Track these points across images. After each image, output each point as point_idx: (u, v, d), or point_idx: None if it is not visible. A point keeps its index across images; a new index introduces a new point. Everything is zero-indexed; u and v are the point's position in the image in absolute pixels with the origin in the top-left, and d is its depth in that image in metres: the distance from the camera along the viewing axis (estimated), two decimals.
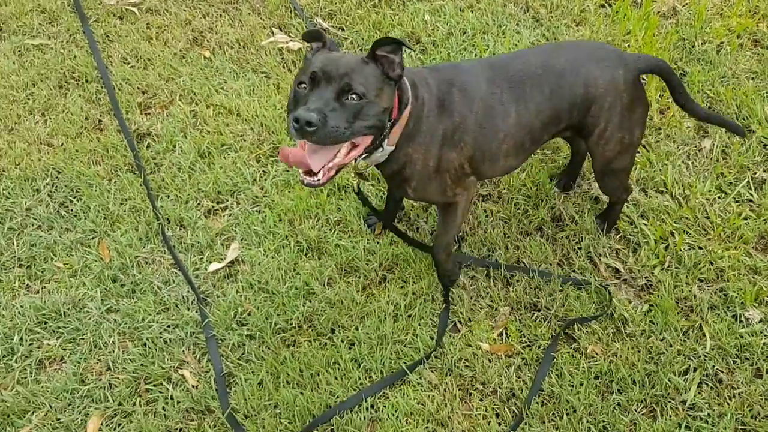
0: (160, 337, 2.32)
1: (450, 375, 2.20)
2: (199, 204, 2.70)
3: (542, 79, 2.03)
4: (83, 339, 2.34)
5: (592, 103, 2.05)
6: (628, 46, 3.18)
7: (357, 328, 2.31)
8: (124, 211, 2.67)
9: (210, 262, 2.53)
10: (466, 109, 2.00)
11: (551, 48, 2.25)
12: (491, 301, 2.37)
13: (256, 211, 2.67)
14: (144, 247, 2.57)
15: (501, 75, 2.02)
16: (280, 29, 3.39)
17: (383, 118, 1.81)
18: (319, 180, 1.75)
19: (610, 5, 3.41)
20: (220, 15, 3.45)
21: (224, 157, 2.83)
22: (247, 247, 2.56)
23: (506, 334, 2.29)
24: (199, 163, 2.81)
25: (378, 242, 2.55)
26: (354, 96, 1.72)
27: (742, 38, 3.21)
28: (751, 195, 2.56)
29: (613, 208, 2.45)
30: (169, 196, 2.71)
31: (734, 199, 2.56)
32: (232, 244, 2.58)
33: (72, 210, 2.70)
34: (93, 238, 2.61)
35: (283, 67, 3.19)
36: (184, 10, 3.47)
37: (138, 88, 3.11)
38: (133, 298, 2.43)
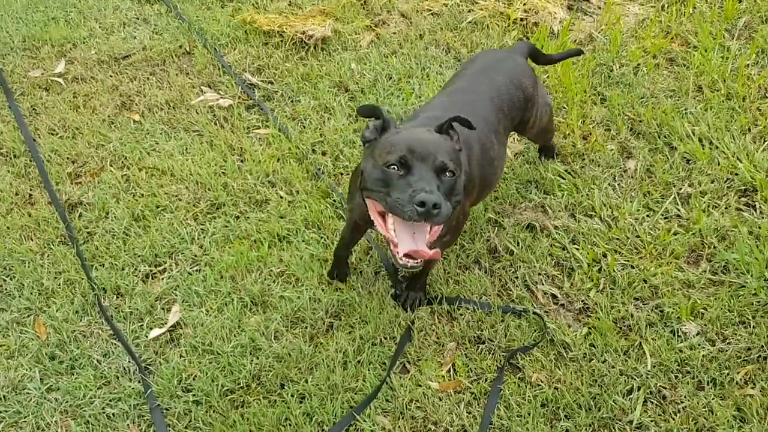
0: (103, 413, 2.25)
1: (402, 418, 2.18)
2: (136, 269, 2.65)
3: (500, 103, 2.30)
4: (25, 421, 2.25)
5: (529, 101, 2.42)
6: (548, 76, 3.30)
7: (307, 381, 2.28)
8: (59, 284, 2.61)
9: (151, 329, 2.48)
10: (473, 156, 2.13)
11: (479, 72, 2.41)
12: (437, 338, 2.38)
13: (196, 270, 2.64)
14: (81, 321, 2.51)
15: (473, 114, 2.09)
16: (210, 87, 3.41)
17: (462, 191, 1.88)
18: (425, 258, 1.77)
19: (528, 38, 3.54)
20: (148, 78, 3.46)
21: (160, 219, 2.80)
22: (189, 308, 2.52)
23: (454, 369, 2.29)
24: (133, 227, 2.77)
25: (323, 290, 2.54)
26: (449, 173, 1.77)
27: (658, 58, 3.36)
28: (679, 210, 2.65)
29: (550, 147, 2.88)
30: (104, 265, 2.66)
31: (662, 216, 2.64)
32: (172, 308, 2.53)
33: (5, 289, 2.63)
34: (28, 316, 2.53)
35: (215, 124, 3.20)
36: (111, 76, 3.47)
37: (67, 158, 3.07)
38: (72, 375, 2.35)
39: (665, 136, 2.96)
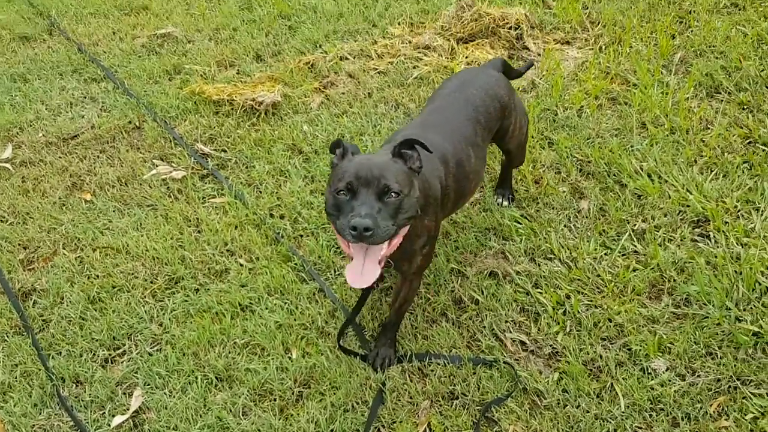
0: None
1: None
2: (94, 355, 2.56)
3: (476, 115, 2.43)
4: None
5: (506, 108, 2.55)
6: None
7: None
8: (15, 377, 2.50)
9: (113, 416, 2.38)
10: (449, 172, 2.27)
11: (455, 89, 2.55)
12: (410, 398, 2.33)
13: (157, 350, 2.56)
14: (40, 414, 2.39)
15: (450, 131, 2.31)
16: (162, 160, 3.38)
17: (417, 206, 2.00)
18: (375, 276, 1.91)
19: None
20: (98, 156, 3.42)
21: (116, 300, 2.72)
22: (151, 391, 2.43)
23: (430, 429, 2.24)
24: (89, 310, 2.69)
25: (290, 357, 2.48)
26: (393, 194, 1.90)
27: (600, 99, 3.47)
28: (635, 246, 2.69)
29: (508, 176, 2.91)
30: (61, 353, 2.56)
31: (620, 253, 2.68)
32: (134, 392, 2.44)
33: None
34: None
35: (169, 197, 3.16)
36: (60, 158, 3.42)
37: (18, 244, 2.99)
38: None
39: (614, 175, 3.02)
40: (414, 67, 3.86)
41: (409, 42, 4.02)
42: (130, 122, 3.62)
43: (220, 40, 4.31)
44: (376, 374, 2.41)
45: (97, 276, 2.82)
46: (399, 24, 4.23)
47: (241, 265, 2.80)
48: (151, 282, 2.79)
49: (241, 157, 3.37)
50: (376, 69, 3.91)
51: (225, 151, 3.43)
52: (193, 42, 4.32)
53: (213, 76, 3.95)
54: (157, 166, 3.33)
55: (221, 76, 3.94)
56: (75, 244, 2.99)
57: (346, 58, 4.01)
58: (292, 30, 4.35)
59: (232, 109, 3.63)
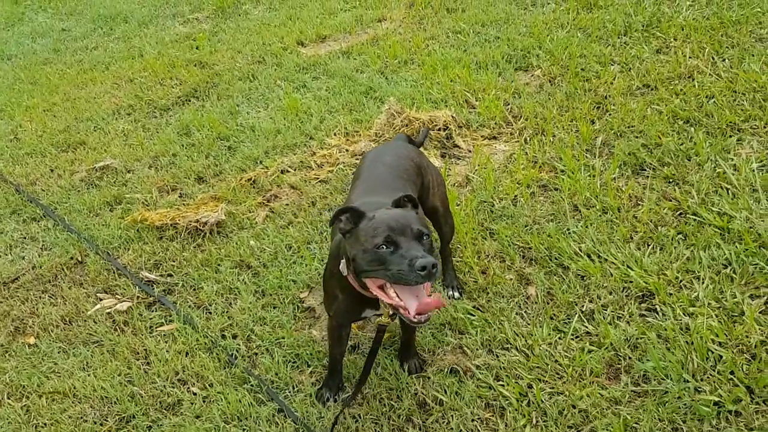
0: None
1: None
2: None
3: (399, 173, 2.71)
4: None
5: (420, 167, 2.83)
6: None
7: None
8: None
9: None
10: None
11: (374, 160, 2.84)
12: None
13: None
14: None
15: (384, 190, 2.54)
16: (106, 293, 3.31)
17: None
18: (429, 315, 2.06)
19: None
20: (40, 296, 3.33)
21: None
22: None
23: None
24: None
25: None
26: (425, 236, 2.08)
27: (531, 188, 3.61)
28: (587, 327, 2.73)
29: (448, 261, 3.02)
30: None
31: (573, 336, 2.71)
32: None
33: None
34: None
35: (115, 331, 3.07)
36: (0, 303, 3.31)
37: None
38: None
39: (556, 258, 3.11)
40: (352, 174, 3.96)
41: (347, 150, 4.15)
42: (71, 258, 3.56)
43: (160, 166, 4.35)
44: (414, 375, 2.68)
45: (45, 425, 2.67)
46: (335, 134, 4.37)
47: (194, 394, 2.71)
48: (101, 424, 2.66)
49: (188, 279, 3.33)
50: (317, 178, 4.00)
51: (171, 275, 3.39)
52: (132, 171, 4.35)
53: (155, 202, 3.96)
54: (101, 300, 3.25)
55: (163, 201, 3.95)
56: (20, 392, 2.84)
57: (287, 171, 4.10)
58: (231, 150, 4.44)
59: (176, 232, 3.62)
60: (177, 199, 3.97)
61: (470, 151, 4.05)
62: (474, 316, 2.88)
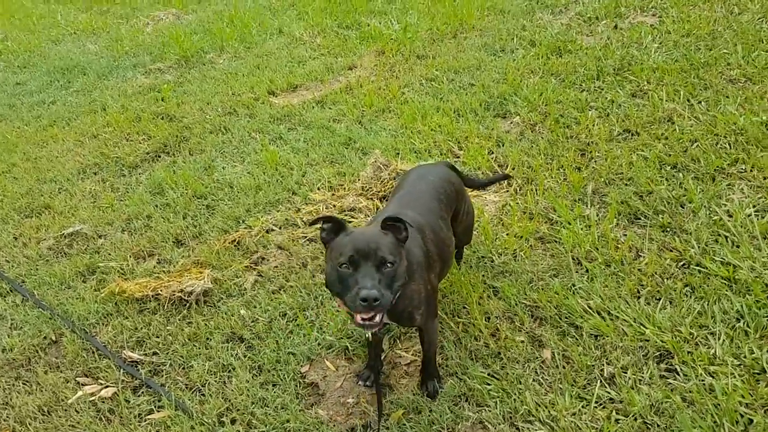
0: None
1: None
2: None
3: (439, 195, 2.86)
4: None
5: (459, 192, 3.03)
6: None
7: None
8: None
9: None
10: (428, 239, 2.63)
11: (418, 178, 2.98)
12: None
13: None
14: None
15: (420, 207, 2.76)
16: (87, 376, 3.05)
17: (405, 274, 2.29)
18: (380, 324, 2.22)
19: None
20: (13, 384, 3.03)
21: None
22: None
23: None
24: None
25: None
26: (389, 265, 2.18)
27: (529, 241, 3.53)
28: (609, 394, 2.62)
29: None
30: None
31: (596, 403, 2.60)
32: None
33: None
34: None
35: (101, 420, 2.81)
36: None
37: None
38: None
39: (566, 317, 3.01)
40: None
41: (334, 206, 4.00)
42: (45, 338, 3.27)
43: (134, 230, 4.11)
44: (433, 400, 2.73)
45: None
46: (319, 189, 4.22)
47: None
48: None
49: (176, 357, 3.10)
50: (305, 236, 3.83)
51: (157, 353, 3.14)
52: (104, 237, 4.09)
53: (131, 270, 3.71)
54: (82, 386, 2.98)
55: (141, 268, 3.70)
56: None
57: (272, 230, 3.92)
58: (210, 209, 4.23)
59: (159, 304, 3.39)
60: (156, 266, 3.73)
61: None
62: (490, 385, 2.74)
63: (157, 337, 3.22)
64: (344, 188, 4.20)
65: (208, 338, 3.18)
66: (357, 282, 2.12)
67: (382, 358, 2.97)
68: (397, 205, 2.76)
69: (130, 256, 3.83)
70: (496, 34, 6.33)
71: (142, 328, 3.28)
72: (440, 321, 3.09)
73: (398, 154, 4.46)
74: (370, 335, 2.57)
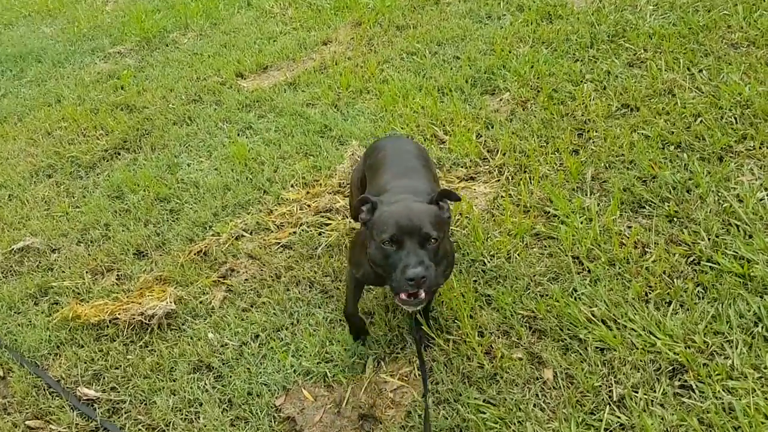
0: None
1: None
2: None
3: (426, 164, 2.88)
4: None
5: (428, 159, 3.03)
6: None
7: None
8: None
9: None
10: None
11: (397, 151, 2.92)
12: None
13: None
14: None
15: (422, 177, 2.70)
16: (38, 419, 2.73)
17: (451, 250, 2.37)
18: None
19: None
20: None
21: None
22: None
23: None
24: None
25: None
26: (433, 241, 2.15)
27: (525, 239, 3.21)
28: (619, 419, 2.34)
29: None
30: None
31: (605, 430, 2.31)
32: None
33: None
34: None
35: None
36: None
37: None
38: None
39: (568, 329, 2.70)
40: (320, 234, 3.48)
41: (308, 206, 3.65)
42: None
43: (90, 241, 3.74)
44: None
45: None
46: (292, 186, 3.87)
47: None
48: None
49: (137, 392, 2.78)
50: (279, 243, 3.49)
51: (115, 389, 2.83)
52: (58, 251, 3.72)
53: (88, 289, 3.36)
54: (32, 430, 2.67)
55: (98, 287, 3.36)
56: None
57: (242, 237, 3.57)
58: (174, 213, 3.87)
59: (118, 330, 3.06)
60: (114, 284, 3.38)
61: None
62: (486, 413, 2.45)
63: (116, 368, 2.90)
64: (320, 184, 3.84)
65: (172, 368, 2.86)
66: (401, 260, 2.10)
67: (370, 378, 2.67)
68: (391, 178, 2.65)
69: (86, 273, 3.48)
70: None
71: (99, 359, 2.96)
72: (427, 339, 2.79)
73: None
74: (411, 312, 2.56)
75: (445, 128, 4.15)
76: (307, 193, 3.77)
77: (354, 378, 2.73)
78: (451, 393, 2.56)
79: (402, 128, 4.19)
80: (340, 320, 2.95)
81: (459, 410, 2.48)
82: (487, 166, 3.78)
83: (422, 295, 2.10)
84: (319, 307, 3.05)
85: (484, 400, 2.51)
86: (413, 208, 2.21)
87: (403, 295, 2.12)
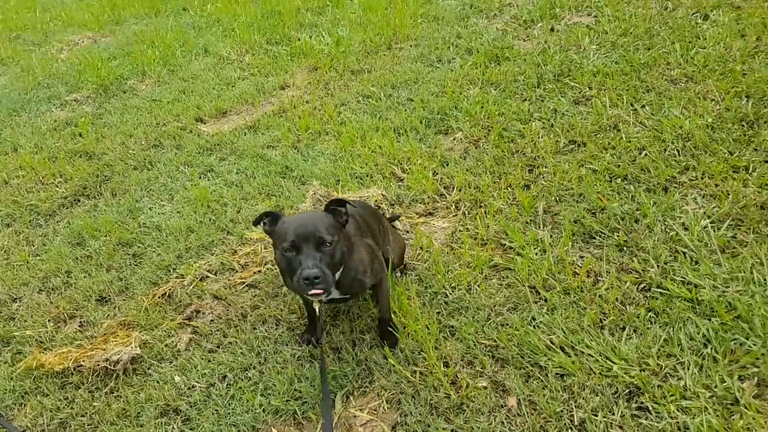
0: None
1: None
2: None
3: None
4: None
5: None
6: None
7: None
8: None
9: None
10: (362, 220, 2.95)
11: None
12: None
13: None
14: None
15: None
16: None
17: (344, 251, 2.54)
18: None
19: None
20: None
21: None
22: None
23: None
24: None
25: None
26: (327, 244, 2.40)
27: (484, 271, 3.32)
28: None
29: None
30: None
31: None
32: None
33: None
34: None
35: None
36: None
37: None
38: None
39: (528, 357, 2.81)
40: None
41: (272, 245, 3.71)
42: None
43: (52, 289, 3.71)
44: (393, 350, 2.92)
45: None
46: (256, 227, 3.92)
47: None
48: None
49: None
50: (244, 282, 3.53)
51: None
52: (19, 300, 3.68)
53: (50, 338, 3.33)
54: None
55: (61, 335, 3.33)
56: None
57: (207, 278, 3.60)
58: (137, 258, 3.87)
59: (82, 377, 3.04)
60: (77, 331, 3.36)
61: (408, 232, 3.72)
62: None
63: (82, 416, 2.87)
64: None
65: (138, 414, 2.85)
66: (300, 263, 2.34)
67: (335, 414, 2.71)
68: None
69: (48, 321, 3.45)
70: (431, 43, 6.14)
71: (64, 407, 2.92)
72: (396, 372, 2.85)
73: (338, 181, 4.20)
74: (318, 310, 2.82)
75: (402, 167, 4.28)
76: None
77: (324, 415, 2.76)
78: (420, 424, 2.62)
79: (362, 167, 4.31)
80: (309, 357, 3.00)
81: None
82: (445, 202, 3.91)
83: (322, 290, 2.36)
84: (287, 345, 3.09)
85: (452, 430, 2.58)
86: (309, 216, 2.49)
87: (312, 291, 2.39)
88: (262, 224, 2.58)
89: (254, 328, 3.22)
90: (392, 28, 6.65)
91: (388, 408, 2.73)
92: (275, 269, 3.58)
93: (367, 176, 4.23)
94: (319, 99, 5.50)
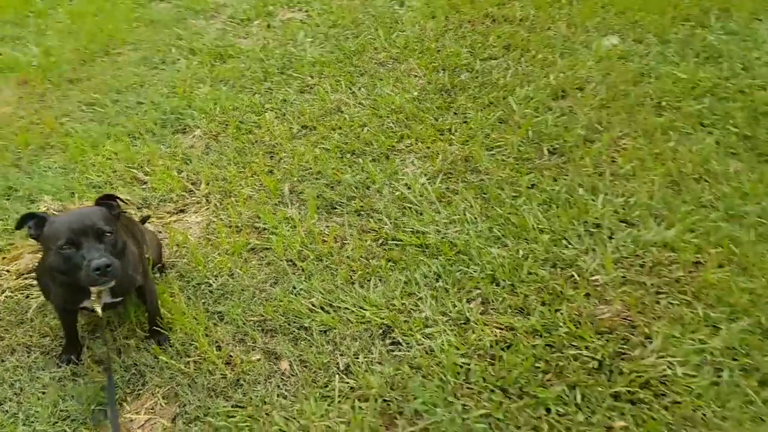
0: None
1: None
2: None
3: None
4: None
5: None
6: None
7: None
8: None
9: None
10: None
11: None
12: None
13: None
14: None
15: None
16: None
17: (124, 242, 2.56)
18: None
19: None
20: None
21: None
22: None
23: None
24: None
25: None
26: (108, 234, 2.39)
27: (243, 255, 3.47)
28: (349, 383, 2.73)
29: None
30: None
31: (340, 397, 2.68)
32: None
33: None
34: None
35: None
36: None
37: None
38: None
39: (294, 322, 3.04)
40: (27, 297, 3.29)
41: (8, 272, 3.42)
42: None
43: None
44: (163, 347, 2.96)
45: None
46: None
47: None
48: None
49: None
50: None
51: None
52: None
53: None
54: None
55: None
56: None
57: None
58: None
59: None
60: None
61: (161, 233, 3.70)
62: (236, 417, 2.65)
63: None
64: (15, 247, 3.60)
65: None
66: (84, 257, 2.29)
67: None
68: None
69: None
70: (152, 46, 6.02)
71: None
72: (169, 367, 2.88)
73: (74, 194, 3.98)
74: (101, 312, 2.59)
75: (144, 169, 4.21)
76: (3, 258, 3.52)
77: (98, 426, 2.69)
78: (200, 409, 2.70)
79: (98, 176, 4.14)
80: (72, 376, 2.87)
81: (210, 422, 2.63)
82: (195, 197, 3.96)
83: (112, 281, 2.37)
84: (43, 370, 2.91)
85: (232, 406, 2.70)
86: (82, 212, 2.47)
87: (94, 290, 2.45)
88: (26, 228, 2.44)
89: (2, 361, 2.97)
90: (106, 33, 6.36)
91: (165, 403, 2.76)
92: (16, 295, 3.31)
93: (106, 184, 4.08)
94: (35, 112, 5.08)
